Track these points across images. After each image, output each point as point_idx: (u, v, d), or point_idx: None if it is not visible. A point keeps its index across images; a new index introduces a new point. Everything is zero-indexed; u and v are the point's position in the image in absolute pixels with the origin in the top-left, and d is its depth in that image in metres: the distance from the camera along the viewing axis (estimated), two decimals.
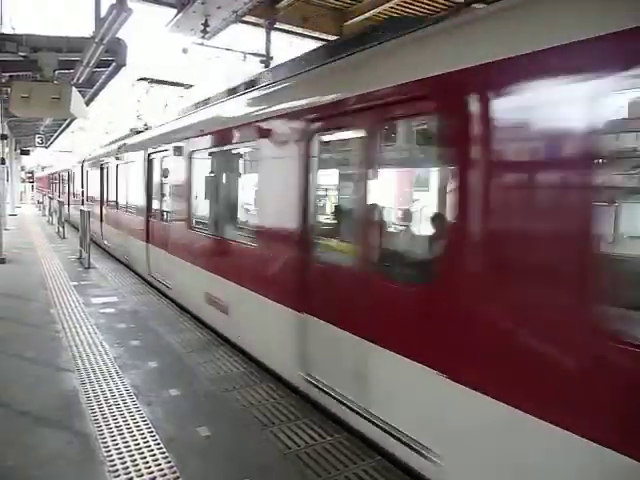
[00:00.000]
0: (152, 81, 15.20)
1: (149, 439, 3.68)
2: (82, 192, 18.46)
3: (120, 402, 4.28)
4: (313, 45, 13.39)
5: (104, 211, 14.30)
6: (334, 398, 3.94)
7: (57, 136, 28.54)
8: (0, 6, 11.67)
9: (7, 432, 3.78)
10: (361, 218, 3.77)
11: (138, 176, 10.06)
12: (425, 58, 3.31)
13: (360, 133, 3.73)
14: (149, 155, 9.45)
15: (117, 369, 5.04)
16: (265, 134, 4.99)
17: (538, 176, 2.57)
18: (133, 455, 3.46)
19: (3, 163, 13.45)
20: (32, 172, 48.63)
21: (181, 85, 15.66)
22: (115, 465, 3.32)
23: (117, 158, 12.50)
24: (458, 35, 3.13)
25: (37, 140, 25.48)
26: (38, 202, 37.33)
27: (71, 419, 3.97)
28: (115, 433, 3.75)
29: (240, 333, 5.63)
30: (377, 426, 3.46)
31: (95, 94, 14.30)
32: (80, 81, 10.74)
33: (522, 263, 2.59)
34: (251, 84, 6.26)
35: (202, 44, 13.82)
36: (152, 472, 3.26)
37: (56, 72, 10.13)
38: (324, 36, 13.96)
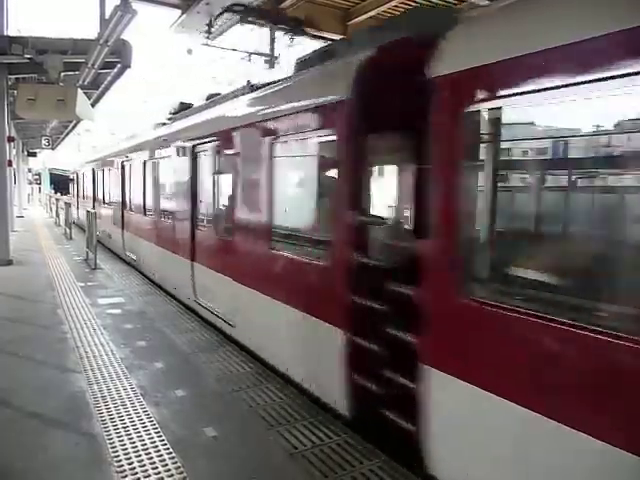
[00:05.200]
0: None
1: (156, 439, 3.69)
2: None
3: (127, 403, 4.29)
4: (317, 45, 13.37)
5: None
6: None
7: (63, 138, 28.69)
8: (5, 10, 11.72)
9: (16, 433, 3.80)
10: None
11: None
12: None
13: None
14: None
15: (124, 370, 5.06)
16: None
17: None
18: (140, 456, 3.46)
19: (10, 165, 13.54)
20: (39, 174, 48.82)
21: None
22: (122, 466, 3.33)
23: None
24: None
25: (43, 142, 25.62)
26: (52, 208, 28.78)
27: (79, 420, 3.98)
28: (122, 434, 3.76)
29: None
30: None
31: (101, 96, 14.38)
32: (85, 83, 10.82)
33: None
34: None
35: (207, 44, 13.85)
36: (159, 472, 3.26)
37: (62, 74, 10.20)
38: (328, 35, 13.94)
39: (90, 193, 17.97)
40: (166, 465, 3.35)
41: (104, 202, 15.11)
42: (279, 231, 5.00)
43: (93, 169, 17.05)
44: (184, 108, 9.34)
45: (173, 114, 9.75)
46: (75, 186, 23.96)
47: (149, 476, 3.23)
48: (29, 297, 8.24)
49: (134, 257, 11.14)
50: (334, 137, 3.99)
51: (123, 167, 12.09)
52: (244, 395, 4.51)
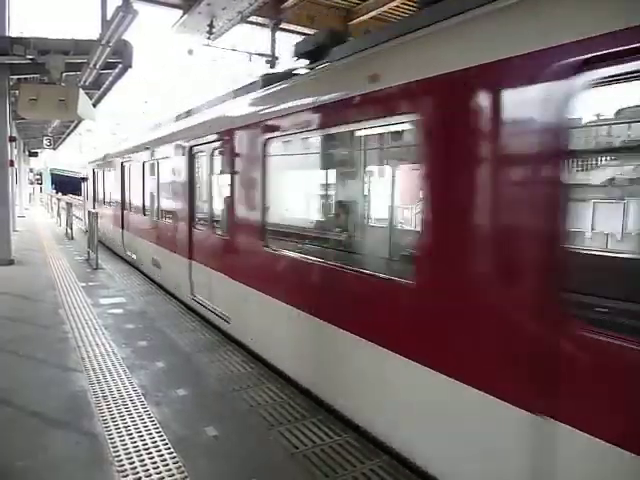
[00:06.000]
0: None
1: (157, 439, 3.69)
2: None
3: (128, 402, 4.30)
4: None
5: None
6: None
7: (65, 138, 28.74)
8: (7, 10, 11.75)
9: (17, 432, 3.80)
10: None
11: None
12: None
13: None
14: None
15: (125, 369, 5.06)
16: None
17: None
18: (141, 455, 3.47)
19: (12, 165, 13.55)
20: (41, 174, 48.87)
21: None
22: (123, 465, 3.33)
23: None
24: None
25: (45, 142, 25.65)
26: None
27: (80, 419, 3.99)
28: (123, 433, 3.76)
29: None
30: None
31: (102, 96, 14.39)
32: (87, 83, 10.84)
33: None
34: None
35: (208, 45, 13.87)
36: (160, 472, 3.27)
37: (63, 74, 10.20)
38: None
39: (117, 197, 12.96)
40: (167, 465, 3.35)
41: (145, 212, 10.33)
42: None
43: (122, 164, 12.34)
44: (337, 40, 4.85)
45: (306, 54, 5.28)
46: (90, 188, 18.55)
47: (150, 476, 3.23)
48: (30, 297, 8.24)
49: (218, 309, 6.53)
50: None
51: (192, 157, 7.46)
52: (245, 395, 4.51)
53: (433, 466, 3.15)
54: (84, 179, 20.67)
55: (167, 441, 3.66)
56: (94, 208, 15.95)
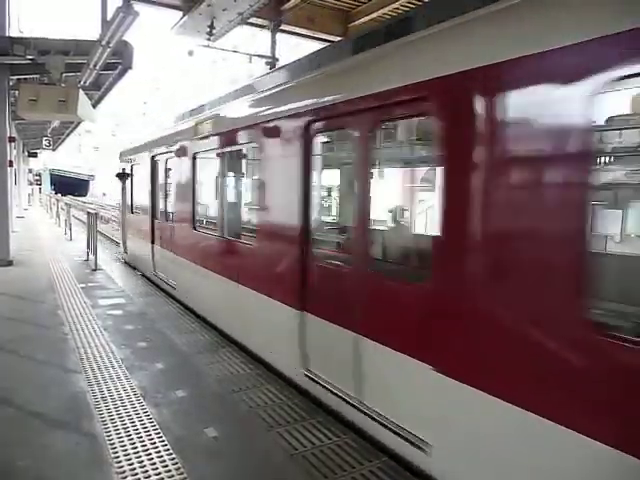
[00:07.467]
0: None
1: (156, 440, 3.69)
2: None
3: (127, 403, 4.30)
4: (318, 46, 13.39)
5: None
6: None
7: (64, 138, 28.73)
8: (7, 10, 11.75)
9: (17, 432, 3.80)
10: None
11: None
12: None
13: None
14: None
15: (124, 370, 5.06)
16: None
17: None
18: (140, 456, 3.47)
19: (11, 166, 13.54)
20: (40, 175, 48.71)
21: None
22: (122, 467, 3.34)
23: None
24: None
25: (44, 143, 25.63)
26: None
27: (79, 420, 3.99)
28: (122, 434, 3.76)
29: None
30: None
31: (102, 97, 14.40)
32: (87, 84, 10.84)
33: None
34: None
35: (208, 46, 13.88)
36: (159, 473, 3.27)
37: (63, 75, 10.21)
38: (329, 37, 13.98)
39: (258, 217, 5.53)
40: (166, 466, 3.36)
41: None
42: None
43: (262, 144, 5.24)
44: None
45: None
46: (143, 193, 10.48)
47: (149, 477, 3.23)
48: (30, 298, 8.24)
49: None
50: None
51: None
52: (244, 396, 4.52)
53: None
54: (122, 175, 12.42)
55: (166, 442, 3.66)
56: (153, 227, 9.76)
